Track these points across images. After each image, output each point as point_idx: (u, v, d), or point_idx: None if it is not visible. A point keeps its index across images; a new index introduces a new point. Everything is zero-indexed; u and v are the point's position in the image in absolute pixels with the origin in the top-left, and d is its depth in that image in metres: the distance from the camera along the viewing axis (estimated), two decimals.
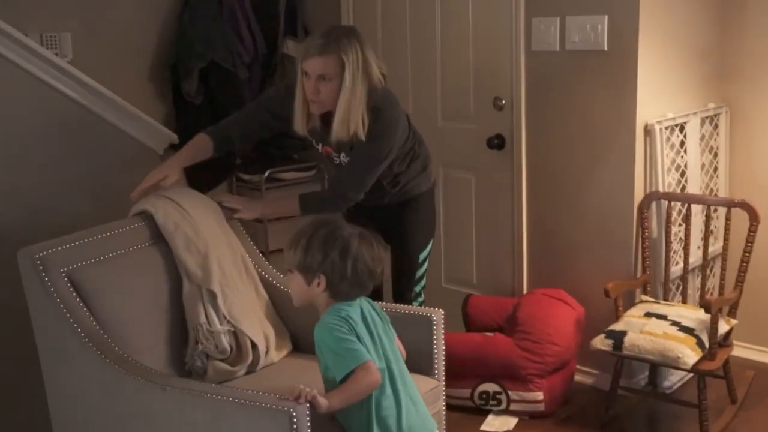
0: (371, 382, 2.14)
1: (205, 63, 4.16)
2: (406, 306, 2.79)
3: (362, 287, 2.25)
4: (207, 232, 2.75)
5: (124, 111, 3.04)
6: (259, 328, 2.74)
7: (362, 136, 2.77)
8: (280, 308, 2.89)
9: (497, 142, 3.72)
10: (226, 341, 2.62)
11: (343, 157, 2.91)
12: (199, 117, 4.26)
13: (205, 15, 4.18)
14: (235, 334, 2.67)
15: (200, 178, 4.39)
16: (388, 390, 2.21)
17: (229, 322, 2.65)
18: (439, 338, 2.66)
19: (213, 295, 2.64)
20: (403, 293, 3.18)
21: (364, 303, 2.30)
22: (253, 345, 2.69)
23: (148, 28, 4.19)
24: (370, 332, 2.25)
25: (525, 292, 3.74)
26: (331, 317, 2.20)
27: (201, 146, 3.00)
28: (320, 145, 2.96)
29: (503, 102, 3.69)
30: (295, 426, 2.06)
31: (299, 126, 2.86)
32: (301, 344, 2.84)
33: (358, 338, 2.19)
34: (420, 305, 3.15)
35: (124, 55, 4.10)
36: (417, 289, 3.19)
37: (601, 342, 3.14)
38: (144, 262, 2.64)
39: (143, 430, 2.35)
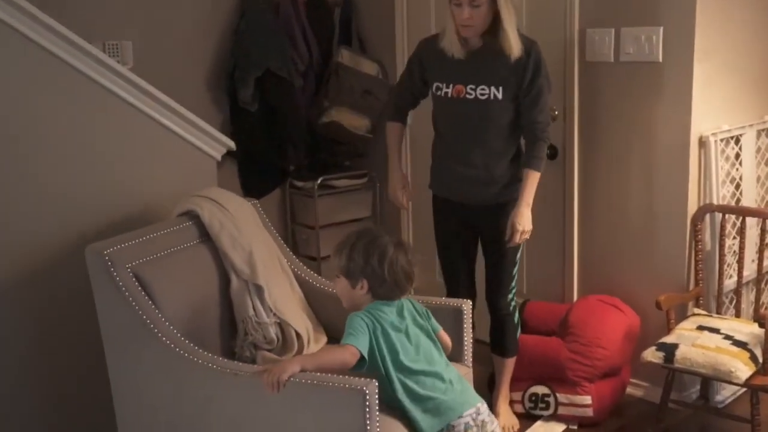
0: (343, 360, 2.35)
1: (261, 71, 4.22)
2: (437, 298, 2.97)
3: (401, 289, 2.50)
4: (248, 231, 2.90)
5: (183, 118, 3.10)
6: (300, 320, 2.92)
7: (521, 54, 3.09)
8: (312, 302, 3.08)
9: (550, 152, 3.70)
10: (273, 332, 2.80)
11: (482, 91, 3.13)
12: (255, 124, 4.35)
13: (261, 24, 4.25)
14: (280, 326, 2.84)
15: (256, 184, 4.51)
16: (422, 378, 2.45)
17: (274, 314, 2.83)
18: (468, 327, 2.88)
19: (260, 289, 2.81)
20: (500, 293, 3.31)
21: (405, 302, 2.55)
22: (298, 335, 2.86)
23: (206, 37, 4.27)
24: (406, 328, 2.49)
25: (576, 299, 3.74)
26: (363, 311, 2.46)
27: (400, 134, 3.47)
28: (451, 86, 3.17)
29: (556, 112, 3.70)
30: (367, 403, 2.24)
31: (457, 49, 3.13)
32: (333, 335, 2.98)
33: (380, 333, 2.42)
34: (514, 307, 3.37)
35: (182, 63, 4.18)
36: (513, 288, 3.34)
37: (652, 354, 3.12)
38: (194, 259, 2.79)
39: (216, 415, 2.46)
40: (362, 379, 2.28)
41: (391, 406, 2.42)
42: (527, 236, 3.19)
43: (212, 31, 4.29)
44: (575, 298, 3.76)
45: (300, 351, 2.85)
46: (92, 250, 2.55)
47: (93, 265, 2.54)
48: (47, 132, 2.84)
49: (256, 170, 4.48)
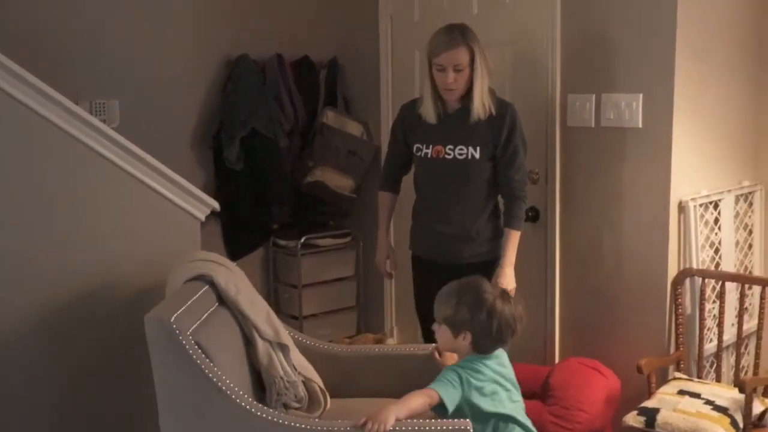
0: (423, 403, 2.41)
1: (247, 131, 4.25)
2: (410, 345, 3.16)
3: (503, 342, 2.57)
4: (255, 293, 2.90)
5: (167, 178, 3.11)
6: (317, 376, 2.93)
7: (493, 112, 3.19)
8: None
9: (532, 215, 3.76)
10: (301, 390, 2.80)
11: (460, 151, 3.22)
12: (240, 182, 4.37)
13: (248, 85, 4.30)
14: (304, 383, 2.85)
15: (240, 242, 4.51)
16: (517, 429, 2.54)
17: (299, 372, 2.83)
18: None
19: (285, 349, 2.82)
20: None
21: (501, 352, 2.60)
22: (322, 391, 2.88)
23: (194, 96, 4.31)
24: (502, 378, 2.55)
25: (557, 362, 3.74)
26: (462, 363, 2.53)
27: (390, 205, 3.54)
28: (430, 147, 3.25)
29: (538, 175, 3.75)
30: None
31: (432, 115, 3.24)
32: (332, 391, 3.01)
33: (475, 388, 2.47)
34: None
35: (169, 122, 4.20)
36: None
37: (633, 419, 3.12)
38: (223, 323, 2.75)
39: None
40: (456, 420, 2.37)
41: None
42: (511, 295, 3.20)
43: (199, 91, 4.33)
44: (557, 360, 3.76)
45: (325, 407, 2.86)
46: (155, 318, 2.47)
47: (157, 332, 2.48)
48: (30, 191, 2.85)
49: (240, 228, 4.48)
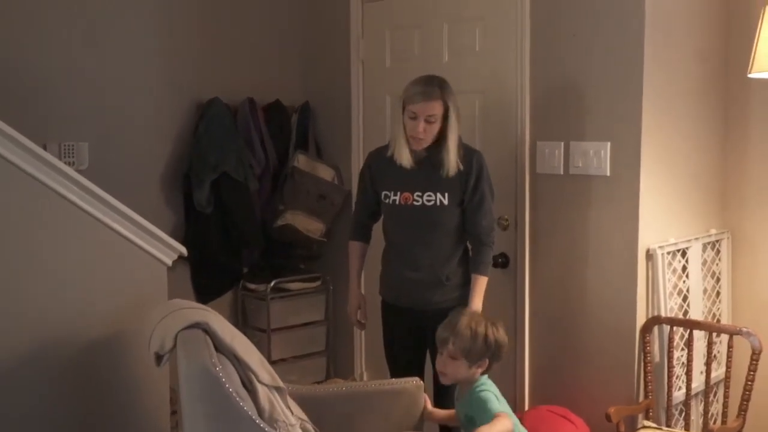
0: (509, 426, 2.71)
1: (218, 174, 4.24)
2: (391, 380, 3.21)
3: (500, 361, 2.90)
4: (245, 338, 2.85)
5: (134, 223, 3.08)
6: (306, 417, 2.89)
7: (461, 167, 3.24)
8: None
9: (502, 261, 3.77)
10: None
11: (428, 197, 3.26)
12: (209, 226, 4.34)
13: (219, 128, 4.29)
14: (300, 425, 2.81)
15: (208, 285, 4.47)
16: None
17: (294, 415, 2.79)
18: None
19: (282, 391, 2.78)
20: (450, 402, 3.19)
21: None
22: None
23: (164, 139, 4.29)
24: None
25: (527, 409, 3.72)
26: (484, 383, 2.85)
27: (361, 254, 3.55)
28: (398, 194, 3.29)
29: (508, 221, 3.76)
30: None
31: (408, 158, 3.27)
32: None
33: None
34: None
35: (139, 164, 4.18)
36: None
37: None
38: (229, 371, 2.63)
39: None
40: None
41: None
42: None
43: (170, 133, 4.32)
44: (526, 407, 3.74)
45: None
46: (200, 367, 2.42)
47: (202, 383, 2.42)
48: None
49: (209, 271, 4.45)
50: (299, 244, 4.58)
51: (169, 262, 3.20)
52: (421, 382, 3.14)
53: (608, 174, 3.42)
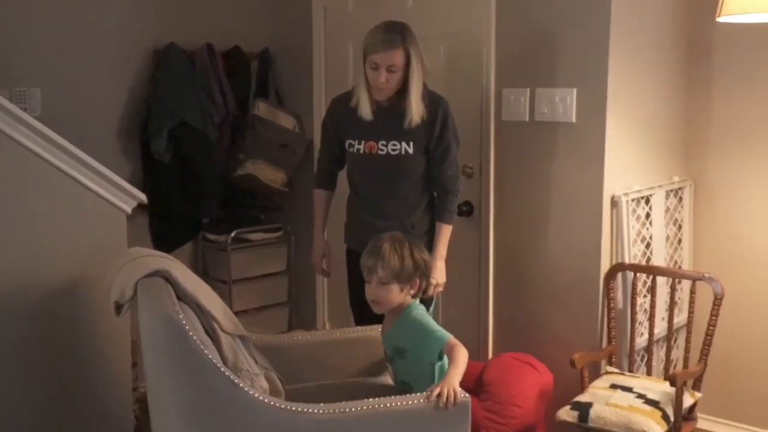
0: (465, 350, 2.60)
1: (176, 122, 4.14)
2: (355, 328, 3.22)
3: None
4: (207, 287, 2.80)
5: (91, 169, 2.99)
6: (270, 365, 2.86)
7: (424, 117, 3.17)
8: None
9: (466, 209, 3.75)
10: (264, 381, 2.70)
11: (393, 146, 3.20)
12: (168, 175, 4.25)
13: (177, 74, 4.18)
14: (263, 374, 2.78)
15: (168, 236, 4.39)
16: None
17: (258, 363, 2.76)
18: None
19: (246, 340, 2.75)
20: None
21: None
22: (280, 380, 2.80)
23: (120, 86, 4.18)
24: None
25: (491, 357, 3.73)
26: (416, 308, 2.77)
27: (326, 202, 3.49)
28: (362, 142, 3.23)
29: (472, 170, 3.73)
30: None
31: (368, 110, 3.19)
32: None
33: None
34: None
35: (94, 112, 4.07)
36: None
37: (566, 413, 3.12)
38: (189, 319, 2.56)
39: None
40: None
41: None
42: (441, 289, 3.24)
43: (126, 80, 4.20)
44: (490, 355, 3.75)
45: (284, 396, 2.78)
46: (165, 317, 2.36)
47: (169, 333, 2.37)
48: None
49: (168, 222, 4.37)
50: (260, 195, 4.52)
51: (129, 210, 3.11)
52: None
53: (574, 121, 3.40)
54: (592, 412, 3.06)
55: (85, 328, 3.06)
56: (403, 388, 2.79)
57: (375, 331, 3.10)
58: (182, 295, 2.56)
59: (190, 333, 2.35)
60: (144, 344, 2.51)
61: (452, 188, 3.28)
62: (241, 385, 2.38)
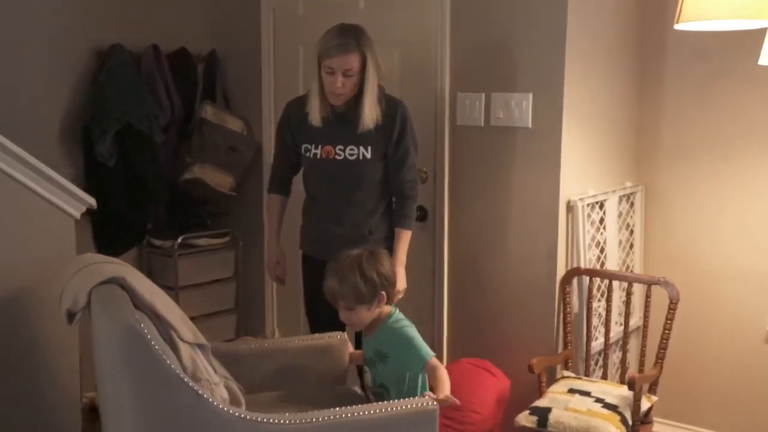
0: (446, 371, 2.74)
1: (121, 125, 4.02)
2: (314, 335, 3.15)
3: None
4: (164, 294, 2.69)
5: (39, 173, 2.88)
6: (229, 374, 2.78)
7: (380, 120, 3.13)
8: None
9: (420, 214, 3.71)
10: (224, 391, 2.63)
11: (351, 151, 3.16)
12: (112, 179, 4.11)
13: (122, 76, 4.05)
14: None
15: (111, 242, 4.26)
16: None
17: (217, 373, 2.67)
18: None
19: (205, 349, 2.65)
20: None
21: None
22: (240, 390, 2.74)
23: (61, 87, 4.02)
24: None
25: (445, 364, 3.71)
26: (401, 319, 2.84)
27: (281, 208, 3.41)
28: (319, 147, 3.18)
29: (426, 174, 3.70)
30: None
31: (317, 117, 3.14)
32: None
33: None
34: None
35: (33, 114, 3.90)
36: None
37: (525, 419, 3.12)
38: (148, 328, 2.44)
39: None
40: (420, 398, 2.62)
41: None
42: (401, 295, 3.18)
43: (68, 82, 4.05)
44: (445, 361, 3.73)
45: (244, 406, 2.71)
46: (126, 327, 2.25)
47: (131, 342, 2.26)
48: None
49: (112, 227, 4.23)
50: (208, 199, 4.41)
51: (77, 215, 3.01)
52: (345, 336, 3.08)
53: (530, 126, 3.40)
54: (551, 416, 3.06)
55: (32, 336, 2.94)
56: (380, 391, 2.83)
57: (335, 338, 3.06)
58: (139, 303, 2.46)
59: (152, 343, 2.26)
60: (99, 355, 2.42)
61: (411, 193, 3.25)
62: (205, 396, 2.30)
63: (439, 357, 3.72)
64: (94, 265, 2.60)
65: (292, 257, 3.46)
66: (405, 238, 3.25)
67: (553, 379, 3.38)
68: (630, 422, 3.06)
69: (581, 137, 3.45)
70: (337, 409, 2.42)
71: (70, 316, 2.49)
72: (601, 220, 3.57)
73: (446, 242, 3.69)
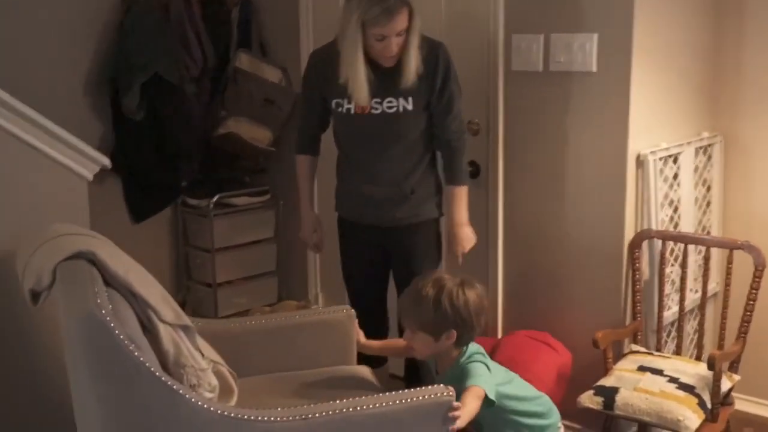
0: (478, 405, 2.31)
1: (148, 76, 3.77)
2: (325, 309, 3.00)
3: (480, 329, 2.51)
4: (143, 270, 2.38)
5: (47, 132, 2.65)
6: (221, 358, 2.48)
7: (421, 68, 2.83)
8: None
9: (471, 170, 3.40)
10: (212, 377, 2.34)
11: (389, 104, 2.86)
12: (141, 135, 3.91)
13: (149, 23, 3.80)
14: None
15: (143, 203, 4.05)
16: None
17: (204, 357, 2.37)
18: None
19: (189, 331, 2.33)
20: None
21: None
22: (232, 375, 2.47)
23: (84, 36, 3.80)
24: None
25: (500, 336, 3.41)
26: (474, 353, 2.48)
27: (311, 170, 3.13)
28: (353, 102, 2.87)
29: (478, 126, 3.38)
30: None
31: (364, 94, 2.81)
32: None
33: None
34: None
35: (55, 65, 3.71)
36: None
37: (589, 399, 2.80)
38: (121, 309, 2.16)
39: None
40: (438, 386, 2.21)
41: None
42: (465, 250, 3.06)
43: (92, 29, 3.82)
44: (500, 332, 3.44)
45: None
46: (89, 316, 1.94)
47: (93, 334, 1.96)
48: None
49: (143, 187, 4.04)
50: (244, 155, 4.17)
51: (90, 176, 2.76)
52: (352, 311, 2.81)
53: (594, 70, 3.04)
54: (619, 398, 2.74)
55: (42, 306, 2.70)
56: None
57: (340, 313, 2.80)
58: (111, 280, 2.16)
59: (117, 332, 1.95)
60: (65, 345, 2.12)
61: (458, 144, 2.98)
62: (181, 392, 1.99)
63: (493, 329, 3.45)
64: (61, 237, 2.31)
65: (329, 219, 3.18)
66: (461, 195, 3.00)
67: (620, 355, 3.06)
68: (709, 405, 2.72)
69: (652, 82, 3.08)
70: (337, 402, 2.12)
71: (34, 296, 2.21)
72: (675, 176, 3.21)
73: (500, 202, 3.38)
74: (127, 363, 1.95)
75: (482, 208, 3.42)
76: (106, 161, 2.80)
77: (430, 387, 2.19)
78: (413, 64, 2.81)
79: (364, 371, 2.77)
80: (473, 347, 2.50)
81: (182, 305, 4.19)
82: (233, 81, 4.05)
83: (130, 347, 1.95)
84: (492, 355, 3.16)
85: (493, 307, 3.43)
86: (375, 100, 2.86)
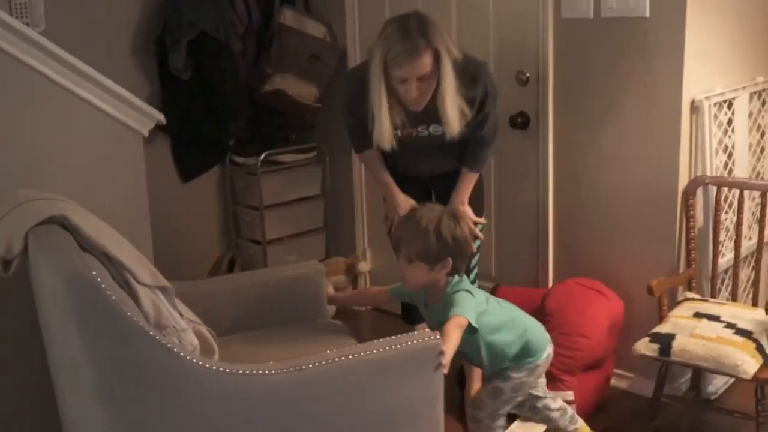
0: (460, 334, 2.38)
1: (195, 34, 3.77)
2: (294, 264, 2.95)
3: (467, 261, 2.61)
4: (116, 233, 2.34)
5: (102, 88, 2.67)
6: (198, 318, 2.46)
7: (468, 111, 2.78)
8: None
9: (521, 121, 3.38)
10: (193, 337, 2.30)
11: (435, 129, 2.85)
12: (188, 93, 3.91)
13: None
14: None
15: (191, 161, 4.07)
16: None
17: (184, 317, 2.32)
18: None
19: (168, 292, 2.27)
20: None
21: None
22: (211, 334, 2.43)
23: None
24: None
25: (551, 285, 3.41)
26: (460, 281, 2.54)
27: (380, 159, 3.03)
28: (399, 130, 2.83)
29: (528, 75, 3.36)
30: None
31: (387, 140, 2.80)
32: None
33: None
34: (475, 277, 3.11)
35: (103, 25, 3.70)
36: (474, 266, 3.09)
37: (645, 347, 2.79)
38: (101, 274, 2.07)
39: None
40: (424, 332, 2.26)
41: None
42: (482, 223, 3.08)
43: None
44: (551, 281, 3.43)
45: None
46: (78, 277, 1.91)
47: (84, 295, 1.92)
48: None
49: (191, 145, 4.05)
50: (290, 112, 4.16)
51: (145, 132, 2.79)
52: (321, 266, 2.84)
53: (647, 15, 2.99)
54: (675, 344, 2.72)
55: None
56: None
57: (310, 267, 2.83)
58: (85, 245, 2.10)
59: (108, 292, 1.92)
60: (44, 309, 2.12)
61: (490, 139, 2.97)
62: (175, 350, 1.98)
63: (544, 278, 3.45)
64: (28, 203, 2.28)
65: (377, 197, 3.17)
66: (471, 180, 2.99)
67: (674, 303, 3.03)
68: (767, 350, 2.70)
69: (707, 26, 3.03)
70: (328, 352, 2.12)
71: (5, 264, 2.17)
72: (729, 122, 3.16)
73: (551, 150, 3.35)
74: (119, 323, 1.91)
75: (533, 159, 3.40)
76: (161, 116, 2.82)
77: (417, 332, 2.25)
78: (450, 114, 2.75)
79: (337, 323, 2.79)
80: (458, 278, 2.56)
81: (232, 263, 4.26)
82: (278, 37, 4.02)
83: (122, 307, 1.92)
84: (543, 302, 3.17)
85: (543, 254, 3.44)
86: (420, 127, 2.85)
